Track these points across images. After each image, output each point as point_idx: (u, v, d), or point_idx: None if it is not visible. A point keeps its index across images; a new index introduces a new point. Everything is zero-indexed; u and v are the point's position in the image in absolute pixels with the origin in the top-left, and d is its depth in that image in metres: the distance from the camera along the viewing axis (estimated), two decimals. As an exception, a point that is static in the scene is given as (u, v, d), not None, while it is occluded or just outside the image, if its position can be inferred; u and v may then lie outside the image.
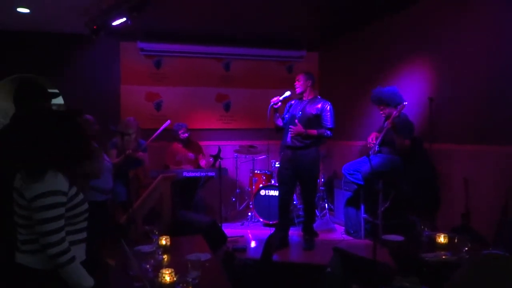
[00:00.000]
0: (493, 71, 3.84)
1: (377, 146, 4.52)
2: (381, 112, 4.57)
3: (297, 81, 4.62)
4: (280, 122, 4.71)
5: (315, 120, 4.49)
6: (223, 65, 6.84)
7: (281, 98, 4.52)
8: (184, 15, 5.41)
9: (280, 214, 4.70)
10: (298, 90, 4.61)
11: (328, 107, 4.52)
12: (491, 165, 3.83)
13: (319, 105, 4.52)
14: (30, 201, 1.74)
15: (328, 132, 4.49)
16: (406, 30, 5.01)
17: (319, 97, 4.67)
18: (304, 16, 5.51)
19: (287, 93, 4.59)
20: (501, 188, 3.65)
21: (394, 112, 4.18)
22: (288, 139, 4.54)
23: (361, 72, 5.93)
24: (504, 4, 3.75)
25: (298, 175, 4.58)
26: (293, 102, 4.71)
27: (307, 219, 4.74)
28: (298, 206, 5.85)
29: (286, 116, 4.69)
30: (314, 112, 4.50)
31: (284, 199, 4.65)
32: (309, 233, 4.69)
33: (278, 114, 4.66)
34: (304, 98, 4.63)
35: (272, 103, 4.49)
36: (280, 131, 4.73)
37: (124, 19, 4.67)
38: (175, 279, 1.98)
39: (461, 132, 4.19)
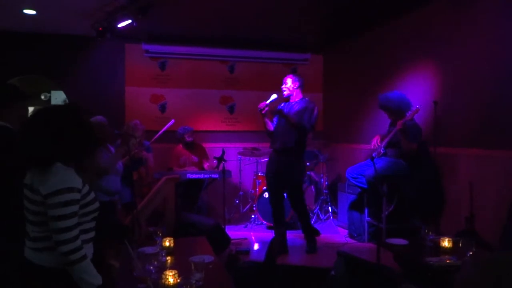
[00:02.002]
0: (498, 75, 3.82)
1: (382, 148, 4.51)
2: (388, 117, 4.57)
3: (284, 84, 4.49)
4: (271, 127, 4.59)
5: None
6: (227, 67, 6.85)
7: (267, 102, 4.37)
8: (189, 17, 5.43)
9: (274, 220, 4.61)
10: (284, 94, 4.49)
11: (310, 106, 4.34)
12: (496, 169, 3.82)
13: (302, 105, 4.37)
14: (45, 197, 1.75)
15: (306, 126, 4.28)
16: (411, 33, 5.00)
17: (307, 99, 4.50)
18: (308, 19, 5.52)
19: (274, 96, 4.39)
20: (506, 193, 3.62)
21: (408, 116, 4.17)
22: (274, 143, 4.46)
23: (366, 75, 5.92)
24: (507, 8, 3.74)
25: (281, 181, 4.47)
26: (282, 105, 4.56)
27: (302, 222, 4.64)
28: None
29: (274, 120, 4.57)
30: (298, 113, 4.32)
31: (274, 205, 4.55)
32: (309, 233, 4.61)
33: (267, 120, 4.52)
34: (291, 101, 4.50)
35: (259, 109, 4.36)
36: (270, 136, 4.60)
37: (130, 21, 4.69)
38: (178, 280, 1.98)
39: (466, 136, 4.17)
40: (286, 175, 4.43)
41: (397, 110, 4.40)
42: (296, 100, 4.49)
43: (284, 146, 4.38)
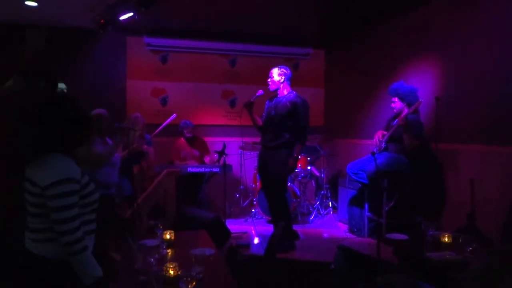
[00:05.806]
0: (500, 71, 3.81)
1: (384, 143, 4.50)
2: (393, 105, 4.55)
3: (269, 78, 4.37)
4: (259, 121, 4.56)
5: (288, 118, 4.27)
6: (228, 62, 6.83)
7: (252, 99, 4.33)
8: (191, 11, 5.41)
9: (273, 215, 4.56)
10: (270, 88, 4.38)
11: (300, 102, 4.24)
12: (498, 165, 3.81)
13: (291, 102, 4.25)
14: (44, 189, 1.74)
15: (302, 136, 4.27)
16: (413, 29, 4.98)
17: (295, 93, 4.37)
18: (311, 13, 5.49)
19: (259, 92, 4.37)
20: (507, 189, 3.63)
21: (410, 108, 4.17)
22: (263, 138, 4.44)
23: (368, 70, 5.91)
24: (511, 4, 3.72)
25: (267, 175, 4.43)
26: (270, 100, 4.50)
27: (276, 221, 4.39)
28: (302, 203, 5.86)
29: (264, 114, 4.53)
30: (285, 110, 4.26)
31: (271, 199, 4.50)
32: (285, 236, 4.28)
33: (255, 115, 4.47)
34: (279, 95, 4.40)
35: (244, 106, 4.35)
36: (260, 130, 4.57)
37: (132, 13, 4.67)
38: (179, 273, 1.99)
39: (467, 132, 4.17)
40: (271, 170, 4.36)
41: (405, 95, 4.43)
42: (284, 94, 4.37)
43: (275, 143, 4.32)
